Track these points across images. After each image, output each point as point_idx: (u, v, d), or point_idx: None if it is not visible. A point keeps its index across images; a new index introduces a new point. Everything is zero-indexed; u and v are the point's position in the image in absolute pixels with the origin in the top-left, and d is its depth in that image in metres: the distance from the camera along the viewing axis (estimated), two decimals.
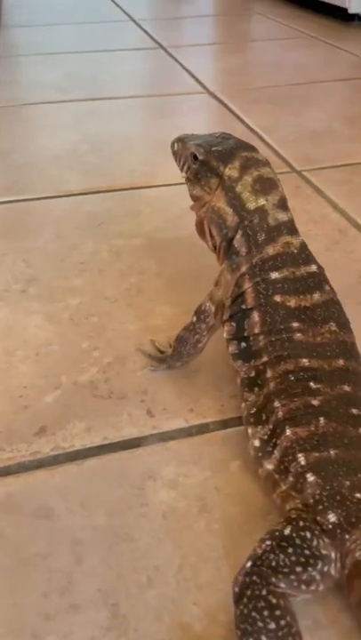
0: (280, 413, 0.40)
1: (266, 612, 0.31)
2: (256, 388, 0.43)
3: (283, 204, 0.47)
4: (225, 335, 0.47)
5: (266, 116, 1.16)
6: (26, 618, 0.35)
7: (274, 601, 0.31)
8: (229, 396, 0.51)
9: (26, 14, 2.19)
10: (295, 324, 0.43)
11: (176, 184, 0.89)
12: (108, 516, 0.41)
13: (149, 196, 0.86)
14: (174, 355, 0.52)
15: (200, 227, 0.50)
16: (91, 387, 0.52)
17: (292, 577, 0.33)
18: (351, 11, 1.88)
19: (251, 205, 0.46)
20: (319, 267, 0.46)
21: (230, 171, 0.47)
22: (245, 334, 0.45)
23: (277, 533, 0.34)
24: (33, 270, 0.68)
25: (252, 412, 0.43)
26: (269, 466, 0.40)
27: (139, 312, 0.61)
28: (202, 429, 0.48)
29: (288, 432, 0.39)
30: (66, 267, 0.69)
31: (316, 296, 0.45)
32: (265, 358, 0.43)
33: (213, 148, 0.48)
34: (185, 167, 0.51)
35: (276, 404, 0.41)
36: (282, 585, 0.32)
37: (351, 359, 0.43)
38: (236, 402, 0.50)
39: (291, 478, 0.38)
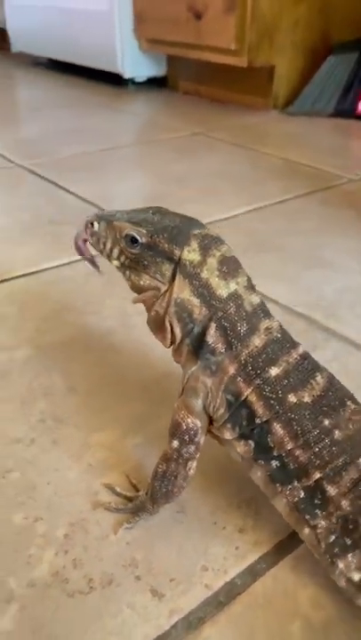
0: None
1: None
2: (319, 511, 0.35)
3: (251, 285, 0.40)
4: (240, 457, 0.38)
5: (93, 184, 1.08)
6: None
7: None
8: (237, 532, 0.40)
9: None
10: (326, 422, 0.36)
11: (34, 272, 0.76)
12: None
13: (8, 291, 0.71)
14: (157, 497, 0.40)
15: (158, 323, 0.40)
16: (58, 582, 0.37)
17: None
18: (126, 76, 1.94)
19: (223, 293, 0.38)
20: (300, 344, 0.40)
21: (190, 255, 0.38)
22: (275, 453, 0.36)
23: None
24: None
25: (332, 540, 0.34)
26: None
27: (70, 449, 0.47)
28: (231, 591, 0.37)
29: None
30: None
31: (319, 379, 0.38)
32: (317, 474, 0.35)
33: (158, 228, 0.38)
34: (115, 252, 0.40)
35: None
36: None
37: None
38: (250, 537, 0.40)
39: None
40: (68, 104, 1.78)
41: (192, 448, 0.38)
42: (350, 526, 0.34)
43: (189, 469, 0.39)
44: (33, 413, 0.51)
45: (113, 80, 2.00)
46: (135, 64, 1.92)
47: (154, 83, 2.01)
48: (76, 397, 0.53)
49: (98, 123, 1.57)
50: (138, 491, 0.43)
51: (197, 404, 0.38)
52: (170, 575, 0.37)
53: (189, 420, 0.38)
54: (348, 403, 0.38)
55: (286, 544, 0.39)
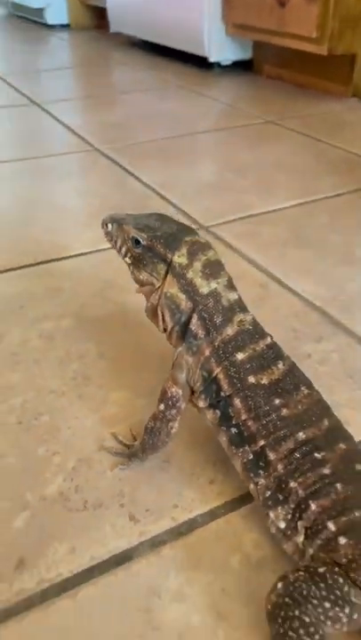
0: (300, 492, 0.41)
1: (301, 631, 0.34)
2: (261, 471, 0.43)
3: (231, 284, 0.48)
4: (210, 423, 0.47)
5: (159, 171, 1.18)
6: None
7: (307, 620, 0.34)
8: (208, 483, 0.50)
9: None
10: (277, 401, 0.44)
11: (91, 252, 0.87)
12: None
13: (65, 268, 0.83)
14: (146, 448, 0.50)
15: (152, 311, 0.49)
16: (61, 499, 0.48)
17: (320, 610, 0.35)
18: (212, 59, 2.00)
19: (204, 290, 0.46)
20: (270, 336, 0.47)
21: (179, 258, 0.47)
22: (234, 422, 0.45)
23: (312, 569, 0.37)
24: None
25: (267, 495, 0.43)
26: (299, 539, 0.40)
27: (91, 403, 0.58)
28: (191, 526, 0.46)
29: (313, 507, 0.40)
30: None
31: (280, 366, 0.46)
32: (262, 442, 0.43)
33: (157, 234, 0.48)
34: (123, 250, 0.50)
35: (293, 484, 0.41)
36: (311, 612, 0.35)
37: (331, 415, 0.45)
38: (217, 487, 0.49)
39: (319, 542, 0.39)
40: (154, 87, 1.87)
41: (174, 411, 0.48)
42: (282, 485, 0.42)
43: (171, 428, 0.48)
44: (67, 372, 0.62)
45: (202, 63, 2.06)
46: (221, 48, 1.97)
47: (240, 66, 2.06)
48: (104, 362, 0.64)
49: (177, 108, 1.65)
50: (135, 441, 0.53)
51: (181, 377, 0.48)
52: (147, 507, 0.48)
53: (173, 389, 0.48)
54: (303, 388, 0.45)
55: (244, 497, 0.48)
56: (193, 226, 0.95)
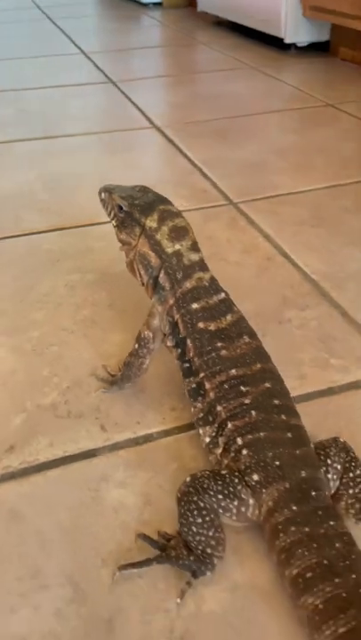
0: (223, 414, 0.51)
1: (196, 512, 0.44)
2: (200, 397, 0.53)
3: (194, 247, 0.58)
4: (175, 359, 0.57)
5: (207, 150, 1.27)
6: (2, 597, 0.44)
7: (201, 504, 0.45)
8: (170, 410, 0.61)
9: None
10: (219, 344, 0.54)
11: None
12: (70, 514, 0.50)
13: (101, 231, 0.95)
14: (123, 378, 0.61)
15: (131, 266, 0.60)
16: (52, 409, 0.61)
17: (214, 499, 0.45)
18: (287, 40, 2.03)
19: (169, 250, 0.56)
20: (226, 293, 0.57)
21: (150, 222, 0.57)
22: (187, 357, 0.55)
23: (216, 471, 0.47)
24: None
25: (200, 416, 0.53)
26: (218, 451, 0.50)
27: (93, 341, 0.71)
28: (147, 439, 0.58)
29: (230, 425, 0.50)
30: (28, 302, 0.78)
31: (229, 317, 0.55)
32: (202, 374, 0.53)
33: (135, 202, 0.58)
34: (112, 214, 0.61)
35: (219, 408, 0.51)
36: (207, 500, 0.45)
37: (265, 360, 0.54)
38: (176, 414, 0.60)
39: (232, 454, 0.49)
40: (227, 67, 1.94)
41: (145, 350, 0.59)
42: (211, 409, 0.52)
43: (142, 364, 0.60)
44: (79, 315, 0.75)
45: (280, 44, 2.09)
46: (297, 29, 1.99)
47: (318, 48, 2.07)
48: (111, 311, 0.76)
49: (242, 89, 1.72)
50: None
51: (153, 322, 0.58)
52: (116, 421, 0.59)
53: (146, 332, 0.59)
54: (245, 337, 0.55)
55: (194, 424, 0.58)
56: (221, 201, 1.04)
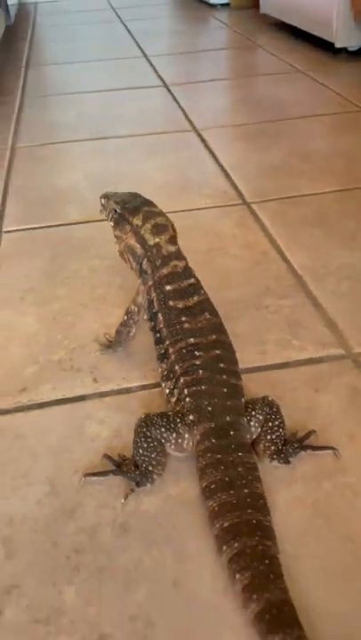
0: (178, 372, 0.65)
1: (143, 439, 0.59)
2: (165, 360, 0.68)
3: (172, 241, 0.72)
4: (150, 330, 0.72)
5: (236, 152, 1.40)
6: None
7: (148, 434, 0.59)
8: (151, 370, 0.75)
9: (55, 51, 2.49)
10: (183, 318, 0.68)
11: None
12: (58, 439, 0.66)
13: None
14: (115, 343, 0.77)
15: (121, 255, 0.75)
16: (58, 363, 0.78)
17: (158, 431, 0.60)
18: (338, 45, 2.10)
19: (151, 242, 0.71)
20: (196, 279, 0.71)
21: (136, 220, 0.72)
22: (157, 328, 0.70)
23: (163, 412, 0.62)
24: (30, 283, 0.95)
25: (165, 374, 0.67)
26: (173, 399, 0.65)
27: (102, 314, 0.87)
28: (128, 390, 0.73)
29: (182, 380, 0.64)
30: (55, 281, 0.95)
31: (195, 298, 0.69)
32: (167, 342, 0.68)
33: (126, 205, 0.73)
34: (110, 216, 0.76)
35: (176, 367, 0.65)
36: (153, 432, 0.59)
37: (220, 334, 0.67)
38: (156, 373, 0.75)
39: (181, 403, 0.63)
40: (276, 71, 2.04)
41: (131, 321, 0.74)
42: (171, 368, 0.66)
43: (129, 332, 0.75)
44: (95, 293, 0.91)
45: (330, 48, 2.16)
46: (348, 34, 2.05)
47: None
48: (121, 291, 0.91)
49: (284, 93, 1.82)
50: None
51: (138, 299, 0.73)
52: (106, 376, 0.75)
53: (132, 307, 0.74)
54: (206, 314, 0.68)
55: None
56: (237, 200, 1.17)
